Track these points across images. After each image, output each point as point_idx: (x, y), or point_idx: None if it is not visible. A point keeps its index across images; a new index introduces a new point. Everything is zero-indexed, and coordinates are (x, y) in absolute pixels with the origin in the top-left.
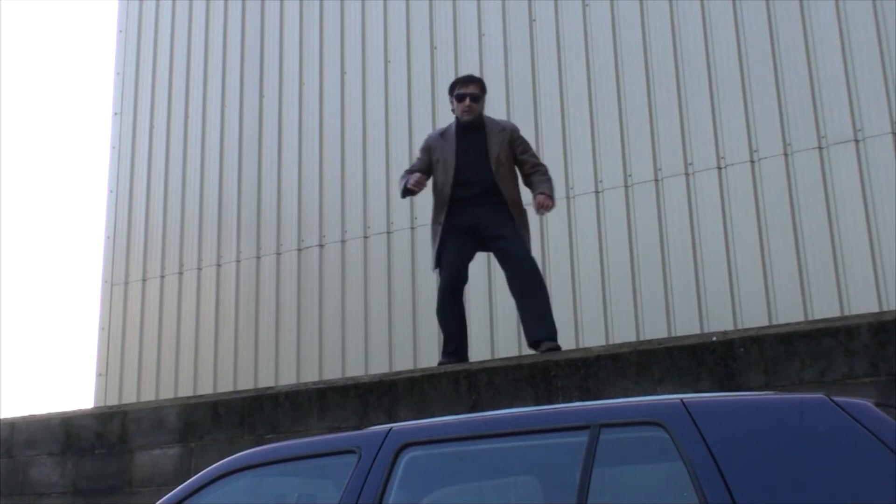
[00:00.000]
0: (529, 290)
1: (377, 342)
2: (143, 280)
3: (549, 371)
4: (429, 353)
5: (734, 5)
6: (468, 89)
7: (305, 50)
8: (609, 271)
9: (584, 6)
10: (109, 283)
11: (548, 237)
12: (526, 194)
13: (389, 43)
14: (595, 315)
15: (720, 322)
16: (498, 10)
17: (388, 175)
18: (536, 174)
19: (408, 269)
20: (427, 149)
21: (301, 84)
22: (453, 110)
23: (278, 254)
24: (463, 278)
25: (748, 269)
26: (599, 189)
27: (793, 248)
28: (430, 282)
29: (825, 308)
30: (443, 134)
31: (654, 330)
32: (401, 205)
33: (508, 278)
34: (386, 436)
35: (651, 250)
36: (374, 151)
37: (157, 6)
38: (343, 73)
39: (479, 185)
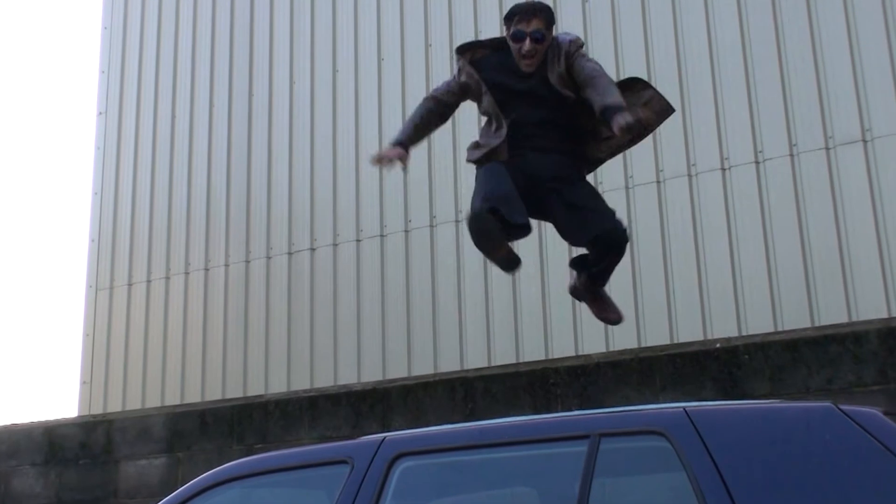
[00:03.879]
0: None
1: (370, 349)
2: (129, 285)
3: (548, 379)
4: (423, 361)
5: (739, 3)
6: (530, 26)
7: (296, 47)
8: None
9: (584, 3)
10: (94, 288)
11: (545, 241)
12: None
13: (383, 40)
14: (595, 320)
15: (724, 328)
16: (495, 7)
17: (381, 176)
18: None
19: (402, 273)
20: None
21: (292, 82)
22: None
23: (268, 258)
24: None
25: (753, 273)
26: (600, 191)
27: (799, 252)
28: (424, 287)
29: (832, 314)
30: None
31: (656, 336)
32: (394, 207)
33: None
34: (379, 445)
35: (653, 254)
36: (368, 151)
37: (144, 2)
38: (335, 70)
39: None
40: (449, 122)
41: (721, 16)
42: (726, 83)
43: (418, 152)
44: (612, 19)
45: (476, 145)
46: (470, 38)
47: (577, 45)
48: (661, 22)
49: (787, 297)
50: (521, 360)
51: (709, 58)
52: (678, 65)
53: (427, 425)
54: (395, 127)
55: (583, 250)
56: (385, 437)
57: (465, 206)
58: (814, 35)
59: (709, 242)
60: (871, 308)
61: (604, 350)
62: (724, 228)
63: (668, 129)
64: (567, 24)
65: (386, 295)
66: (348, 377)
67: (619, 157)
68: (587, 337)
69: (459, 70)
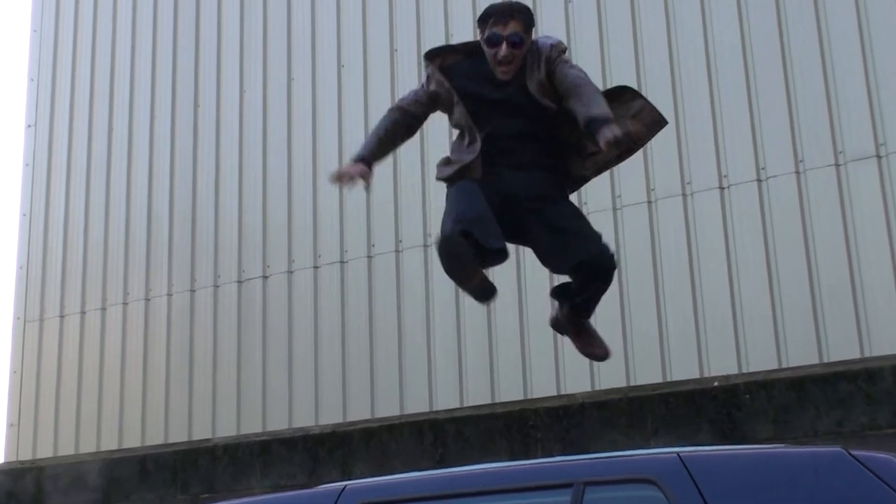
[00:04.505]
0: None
1: (329, 387)
2: (61, 316)
3: (527, 421)
4: (388, 400)
5: (738, 1)
6: (507, 29)
7: (247, 52)
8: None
9: (567, 3)
10: (22, 320)
11: (524, 267)
12: None
13: (343, 44)
14: (579, 356)
15: (722, 364)
16: (468, 7)
17: (341, 196)
18: None
19: (364, 303)
20: None
21: (242, 91)
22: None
23: (216, 286)
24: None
25: (754, 303)
26: (584, 212)
27: (806, 280)
28: (389, 318)
29: (843, 348)
30: None
31: (647, 374)
32: (356, 230)
33: None
34: (339, 495)
35: (643, 282)
36: (327, 168)
37: (77, 2)
38: (290, 79)
39: None
40: (417, 136)
41: (719, 16)
42: (725, 92)
43: (383, 169)
44: (597, 21)
45: (447, 161)
46: (440, 42)
47: (558, 49)
48: (653, 24)
49: (793, 330)
50: (496, 400)
51: (705, 63)
52: (671, 71)
53: (392, 473)
54: (356, 141)
55: (565, 278)
56: (346, 486)
57: (435, 229)
58: (822, 37)
59: (706, 269)
60: (885, 342)
61: (589, 389)
62: (722, 254)
63: (661, 144)
64: (548, 27)
65: (347, 328)
66: (305, 419)
67: (606, 174)
68: (570, 374)
69: (428, 77)
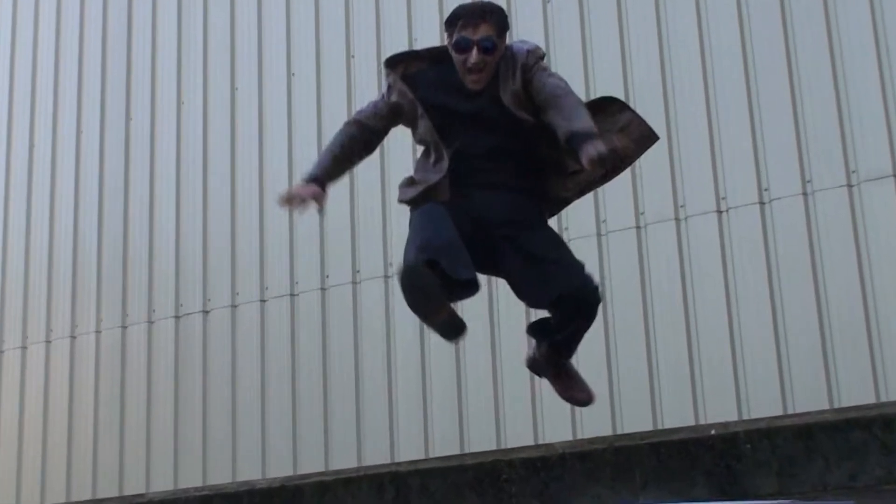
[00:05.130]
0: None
1: (277, 436)
2: None
3: (500, 473)
4: (344, 451)
5: (738, 1)
6: (477, 33)
7: (185, 59)
8: None
9: (545, 3)
10: None
11: (497, 300)
12: None
13: (293, 50)
14: (559, 401)
15: (720, 410)
16: (434, 8)
17: (291, 221)
18: None
19: (317, 341)
20: None
21: (180, 103)
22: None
23: (150, 322)
24: None
25: (757, 341)
26: (565, 239)
27: (814, 315)
28: (345, 359)
29: (856, 392)
30: None
31: (636, 421)
32: (308, 260)
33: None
34: None
35: (631, 317)
36: (275, 190)
37: None
38: (234, 89)
39: None
40: (376, 153)
41: (717, 17)
42: (723, 103)
43: (338, 190)
44: (580, 23)
45: (410, 182)
46: (402, 47)
47: (536, 55)
48: (642, 26)
49: (800, 372)
50: (466, 451)
51: (701, 70)
52: (663, 80)
53: None
54: (308, 159)
55: (544, 313)
56: None
57: (397, 258)
58: (833, 41)
59: (701, 303)
60: None
61: (570, 438)
62: (720, 285)
63: (651, 162)
64: (524, 30)
65: (298, 369)
66: (250, 472)
67: (590, 196)
68: (549, 422)
69: (389, 87)
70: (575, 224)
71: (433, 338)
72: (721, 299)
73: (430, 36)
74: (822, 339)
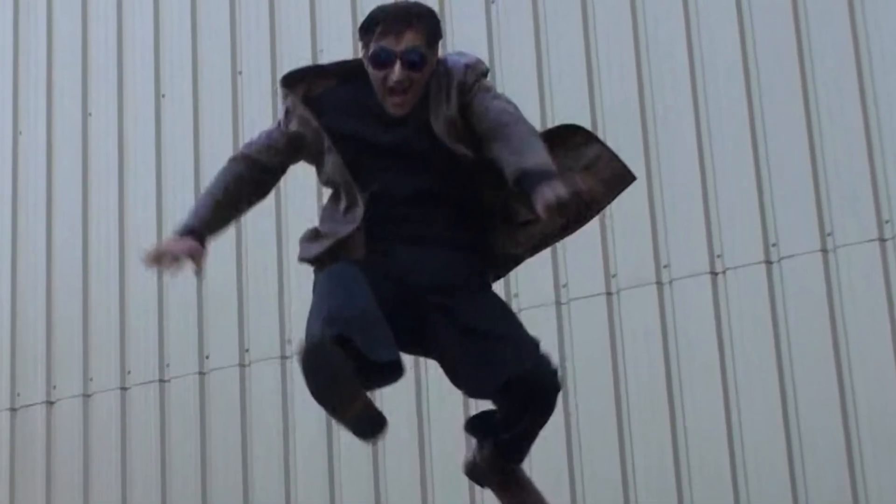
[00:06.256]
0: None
1: None
2: None
3: None
4: None
5: (739, 3)
6: (401, 42)
7: (24, 76)
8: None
9: (489, 3)
10: None
11: (427, 386)
12: None
13: (163, 65)
14: None
15: None
16: (346, 10)
17: (161, 285)
18: None
19: (194, 438)
20: None
21: (17, 132)
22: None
23: None
24: None
25: (762, 441)
26: (515, 309)
27: (836, 407)
28: (230, 459)
29: (888, 499)
30: None
31: None
32: (182, 337)
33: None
34: None
35: (600, 409)
36: (139, 244)
37: None
38: (87, 114)
39: None
40: (271, 198)
41: (711, 21)
42: (719, 134)
43: (222, 246)
44: (533, 28)
45: (315, 235)
46: (304, 60)
47: (477, 71)
48: (615, 32)
49: (817, 480)
50: None
51: (691, 92)
52: (641, 102)
53: None
54: (183, 205)
55: (487, 404)
56: None
57: (298, 334)
58: (860, 52)
59: (690, 391)
60: None
61: None
62: (714, 368)
63: (626, 209)
64: (462, 39)
65: (169, 474)
66: None
67: (547, 253)
68: None
69: (287, 113)
70: (528, 290)
71: (344, 436)
72: (716, 386)
73: (340, 47)
74: (847, 437)
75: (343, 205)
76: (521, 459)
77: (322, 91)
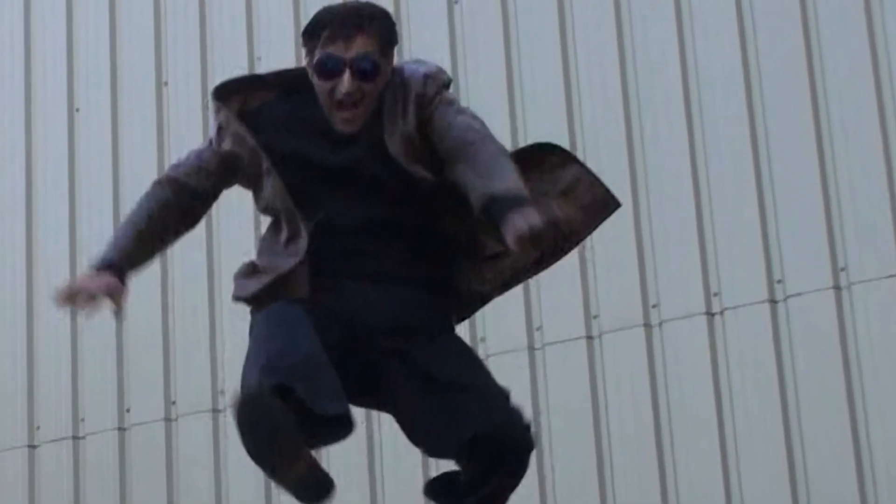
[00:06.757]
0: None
1: None
2: None
3: None
4: None
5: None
6: (350, 49)
7: None
8: None
9: (452, 4)
10: None
11: (379, 442)
12: None
13: (77, 75)
14: None
15: None
16: (286, 10)
17: (74, 329)
18: None
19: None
20: None
21: None
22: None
23: None
24: None
25: (765, 494)
26: (482, 355)
27: (852, 468)
28: None
29: None
30: None
31: None
32: (100, 388)
33: None
34: None
35: (580, 466)
36: (51, 281)
37: None
38: None
39: None
40: (201, 227)
41: (707, 23)
42: (716, 154)
43: (145, 284)
44: (502, 32)
45: (252, 270)
46: (239, 70)
47: (438, 82)
48: (596, 38)
49: None
50: None
51: (683, 106)
52: (627, 118)
53: None
54: (100, 235)
55: (450, 464)
56: None
57: (233, 384)
58: (878, 59)
59: (683, 447)
60: None
61: None
62: (711, 422)
63: (609, 242)
64: (420, 45)
65: None
66: None
67: (519, 292)
68: None
69: (220, 130)
70: (496, 333)
71: (285, 500)
72: (712, 443)
73: (281, 53)
74: (860, 480)
75: (284, 235)
76: None
77: (260, 105)
